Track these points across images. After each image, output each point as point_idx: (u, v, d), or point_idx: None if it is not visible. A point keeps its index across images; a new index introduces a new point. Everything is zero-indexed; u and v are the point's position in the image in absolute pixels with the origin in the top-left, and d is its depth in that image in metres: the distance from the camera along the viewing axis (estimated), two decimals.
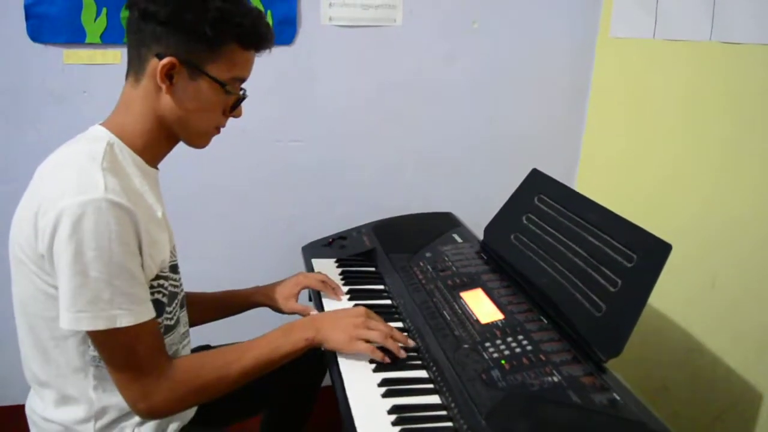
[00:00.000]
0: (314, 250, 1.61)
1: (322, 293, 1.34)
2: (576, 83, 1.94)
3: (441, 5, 1.79)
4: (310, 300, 1.38)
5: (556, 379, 0.95)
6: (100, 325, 0.88)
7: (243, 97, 1.03)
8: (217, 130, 1.05)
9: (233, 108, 1.04)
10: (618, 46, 1.80)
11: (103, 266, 0.86)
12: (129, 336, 0.90)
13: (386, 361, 1.05)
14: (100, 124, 0.99)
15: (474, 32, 1.83)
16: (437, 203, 1.79)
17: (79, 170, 0.89)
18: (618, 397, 0.91)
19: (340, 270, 1.46)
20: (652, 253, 1.01)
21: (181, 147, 1.06)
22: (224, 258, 1.86)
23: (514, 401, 0.91)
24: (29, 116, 1.62)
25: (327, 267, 1.48)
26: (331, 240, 1.65)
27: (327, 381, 1.46)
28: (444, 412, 0.94)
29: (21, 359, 1.02)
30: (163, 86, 0.95)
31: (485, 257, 1.41)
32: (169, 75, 0.95)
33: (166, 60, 0.93)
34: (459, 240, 1.52)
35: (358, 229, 1.69)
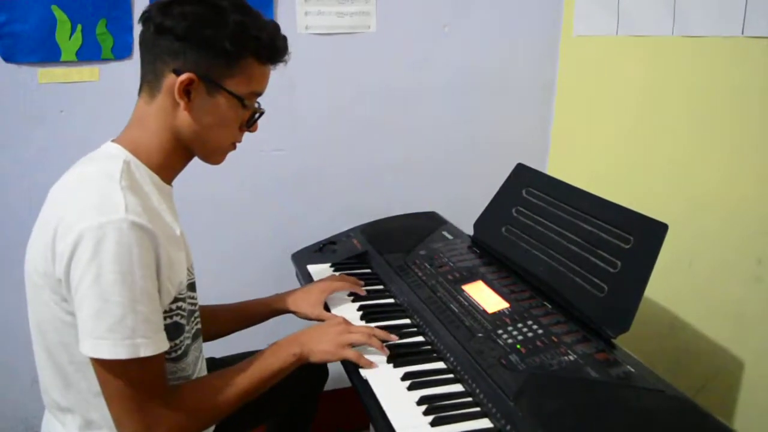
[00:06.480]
0: (306, 256, 1.63)
1: (327, 300, 1.34)
2: (543, 81, 2.01)
3: (413, 10, 1.82)
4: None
5: (572, 357, 1.00)
6: (122, 354, 0.83)
7: (260, 112, 1.03)
8: (234, 146, 1.04)
9: (250, 123, 1.03)
10: (581, 44, 1.89)
11: (126, 291, 0.83)
12: (143, 366, 0.86)
13: (374, 366, 1.07)
14: (113, 141, 0.97)
15: (445, 36, 1.88)
16: (418, 205, 1.82)
17: (98, 190, 0.86)
18: (633, 370, 0.97)
19: (336, 274, 1.47)
20: (649, 233, 1.08)
21: None
22: (212, 271, 1.83)
23: (538, 381, 0.95)
24: (5, 138, 1.57)
25: (322, 272, 1.50)
26: (321, 246, 1.67)
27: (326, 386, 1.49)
28: (470, 399, 0.98)
29: (39, 385, 0.99)
30: (182, 102, 0.93)
31: (477, 251, 1.46)
32: (186, 91, 0.93)
33: (184, 76, 0.91)
34: (449, 237, 1.57)
35: (346, 234, 1.71)
